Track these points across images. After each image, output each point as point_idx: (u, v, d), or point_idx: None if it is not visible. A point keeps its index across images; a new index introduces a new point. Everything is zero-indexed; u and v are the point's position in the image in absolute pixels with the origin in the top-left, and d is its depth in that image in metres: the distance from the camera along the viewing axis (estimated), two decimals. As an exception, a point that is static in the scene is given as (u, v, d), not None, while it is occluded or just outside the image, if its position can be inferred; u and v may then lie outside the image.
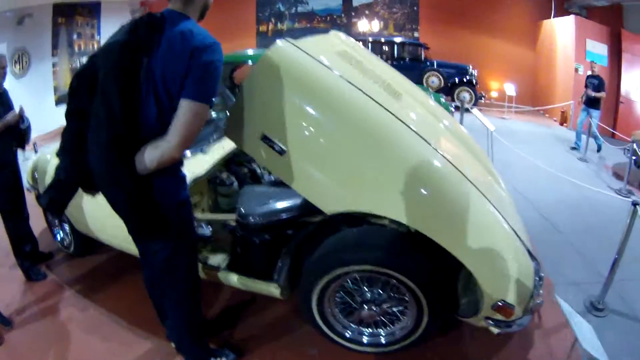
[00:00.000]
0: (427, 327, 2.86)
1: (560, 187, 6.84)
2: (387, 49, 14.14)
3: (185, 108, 1.98)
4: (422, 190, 2.56)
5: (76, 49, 11.80)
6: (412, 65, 13.85)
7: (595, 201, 6.39)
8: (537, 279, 2.65)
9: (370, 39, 14.03)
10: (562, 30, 12.70)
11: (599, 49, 11.60)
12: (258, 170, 3.91)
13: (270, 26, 16.66)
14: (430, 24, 15.37)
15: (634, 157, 7.12)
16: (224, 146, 3.68)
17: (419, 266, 2.68)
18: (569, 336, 3.29)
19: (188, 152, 3.38)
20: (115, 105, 1.97)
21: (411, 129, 2.74)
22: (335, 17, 16.11)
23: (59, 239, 4.45)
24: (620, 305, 3.79)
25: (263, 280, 3.11)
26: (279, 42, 2.65)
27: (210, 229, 3.22)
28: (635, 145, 7.11)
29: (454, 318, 2.89)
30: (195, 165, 3.26)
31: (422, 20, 15.57)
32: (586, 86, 9.55)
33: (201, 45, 1.96)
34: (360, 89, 2.67)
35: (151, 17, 2.06)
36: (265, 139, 2.55)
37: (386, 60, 13.54)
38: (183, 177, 2.39)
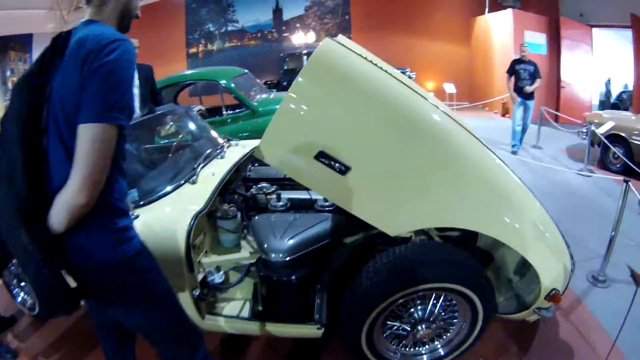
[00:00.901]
0: (481, 329, 2.74)
1: (523, 174, 6.74)
2: None
3: (81, 136, 1.48)
4: (495, 199, 2.54)
5: (9, 86, 10.94)
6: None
7: (562, 184, 6.77)
8: (572, 261, 2.72)
9: (305, 51, 13.71)
10: (498, 25, 12.86)
11: (538, 39, 11.81)
12: (259, 196, 3.41)
13: (201, 47, 16.08)
14: (363, 31, 15.21)
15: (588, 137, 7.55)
16: (215, 172, 3.15)
17: (478, 275, 2.56)
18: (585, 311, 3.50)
19: (169, 187, 2.86)
20: (15, 154, 1.53)
21: (467, 131, 2.67)
22: (266, 32, 15.70)
23: (19, 300, 3.80)
24: (618, 274, 3.98)
25: (301, 323, 2.67)
26: (327, 40, 2.34)
27: (222, 273, 2.69)
28: (593, 127, 7.42)
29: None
30: (190, 200, 2.74)
31: (354, 29, 15.41)
32: (514, 74, 8.42)
33: (96, 48, 1.48)
34: (419, 93, 2.47)
35: (57, 36, 1.62)
36: (322, 156, 2.19)
37: None
38: (126, 226, 1.76)
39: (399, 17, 14.74)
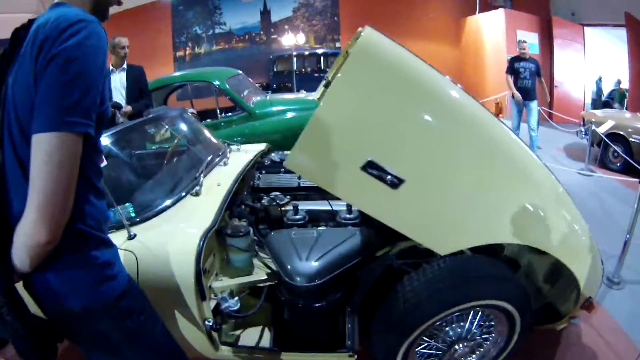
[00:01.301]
0: (516, 343, 2.55)
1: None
2: (312, 62, 13.70)
3: (34, 151, 1.12)
4: (549, 209, 2.33)
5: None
6: (338, 75, 13.31)
7: (565, 184, 6.31)
8: (602, 266, 2.62)
9: (295, 53, 13.36)
10: (490, 24, 12.67)
11: (530, 38, 11.59)
12: (272, 208, 3.05)
13: (188, 50, 15.61)
14: (352, 32, 14.71)
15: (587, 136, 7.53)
16: (220, 182, 2.80)
17: (520, 289, 2.36)
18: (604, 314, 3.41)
19: (169, 201, 2.51)
20: None
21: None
22: (254, 34, 15.28)
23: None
24: (633, 275, 3.92)
25: (330, 351, 2.38)
26: (369, 28, 2.03)
27: (237, 299, 2.32)
28: (593, 126, 7.35)
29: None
30: (195, 215, 2.39)
31: (343, 30, 15.09)
32: (514, 73, 7.73)
33: (54, 32, 1.12)
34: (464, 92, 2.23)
35: (19, 26, 1.29)
36: (371, 167, 1.89)
37: (312, 73, 13.36)
38: (107, 260, 1.38)
39: (388, 18, 14.42)
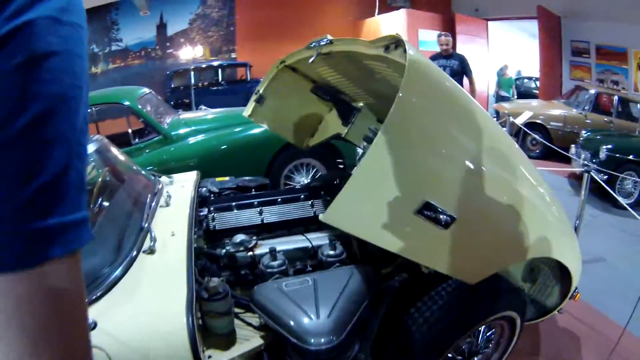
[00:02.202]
0: (516, 343, 2.60)
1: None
2: (210, 75, 13.13)
3: None
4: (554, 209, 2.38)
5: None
6: (239, 87, 12.88)
7: None
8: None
9: (193, 67, 12.75)
10: (390, 26, 12.53)
11: (432, 37, 11.72)
12: (240, 255, 2.50)
13: None
14: (249, 41, 14.28)
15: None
16: (173, 229, 2.25)
17: (523, 296, 2.41)
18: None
19: (119, 268, 1.93)
20: None
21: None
22: (149, 50, 14.22)
23: None
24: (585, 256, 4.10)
25: None
26: (402, 38, 1.81)
27: None
28: (511, 118, 7.70)
29: None
30: (162, 281, 1.86)
31: (239, 40, 14.48)
32: None
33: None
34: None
35: None
36: (428, 209, 1.62)
37: (210, 87, 12.87)
38: None
39: (285, 25, 13.99)
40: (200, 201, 3.07)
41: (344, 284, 2.08)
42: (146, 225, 2.20)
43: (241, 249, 2.45)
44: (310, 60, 2.53)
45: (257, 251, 2.50)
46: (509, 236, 2.05)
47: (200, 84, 12.93)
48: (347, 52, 2.33)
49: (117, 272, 1.87)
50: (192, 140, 5.44)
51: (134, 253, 2.01)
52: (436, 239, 1.77)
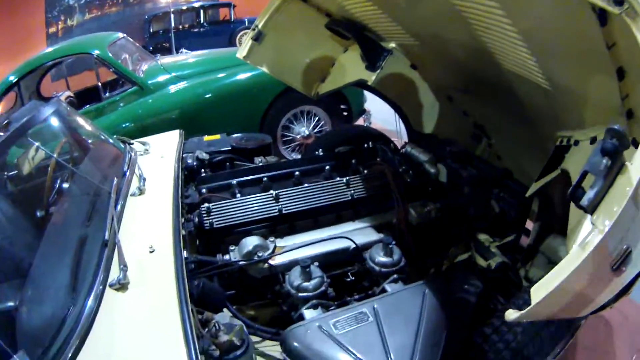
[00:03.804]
0: None
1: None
2: (190, 17, 12.14)
3: None
4: None
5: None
6: (222, 28, 12.00)
7: None
8: None
9: (172, 9, 11.47)
10: None
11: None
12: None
13: (61, 25, 12.98)
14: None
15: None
16: (152, 240, 1.49)
17: None
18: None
19: (82, 319, 1.23)
20: None
21: None
22: (128, -6, 13.10)
23: None
24: None
25: None
26: None
27: None
28: None
29: None
30: (147, 337, 1.15)
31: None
32: None
33: None
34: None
35: None
36: None
37: (192, 29, 12.01)
38: None
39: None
40: (186, 175, 2.27)
41: (418, 317, 1.43)
42: (110, 236, 1.41)
43: (255, 258, 1.69)
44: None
45: (278, 260, 1.74)
46: None
47: (180, 27, 11.92)
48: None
49: (82, 326, 1.13)
50: (172, 88, 4.57)
51: (100, 287, 1.25)
52: None
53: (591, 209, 0.94)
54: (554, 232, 2.03)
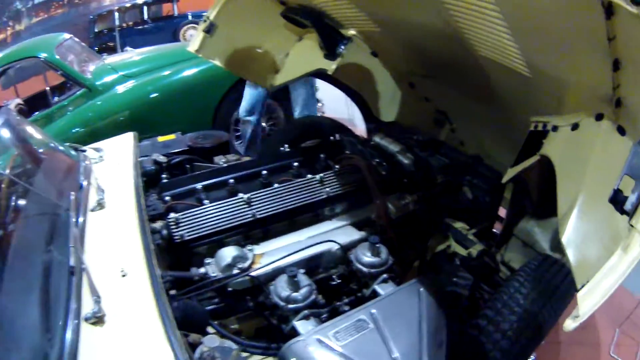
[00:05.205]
0: None
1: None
2: (134, 15, 11.52)
3: None
4: None
5: None
6: (165, 24, 11.49)
7: None
8: None
9: (116, 7, 11.04)
10: None
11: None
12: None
13: (10, 31, 12.44)
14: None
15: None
16: (122, 263, 1.32)
17: None
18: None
19: None
20: None
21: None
22: (71, -5, 12.53)
23: None
24: None
25: None
26: None
27: None
28: None
29: None
30: None
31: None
32: None
33: None
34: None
35: None
36: None
37: (136, 26, 11.31)
38: None
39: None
40: (145, 181, 2.04)
41: (418, 318, 1.36)
42: (76, 263, 1.23)
43: (235, 271, 1.55)
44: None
45: (259, 269, 1.59)
46: None
47: (124, 25, 11.34)
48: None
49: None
50: (120, 88, 4.31)
51: (73, 330, 1.07)
52: None
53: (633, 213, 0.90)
54: (526, 215, 1.98)
